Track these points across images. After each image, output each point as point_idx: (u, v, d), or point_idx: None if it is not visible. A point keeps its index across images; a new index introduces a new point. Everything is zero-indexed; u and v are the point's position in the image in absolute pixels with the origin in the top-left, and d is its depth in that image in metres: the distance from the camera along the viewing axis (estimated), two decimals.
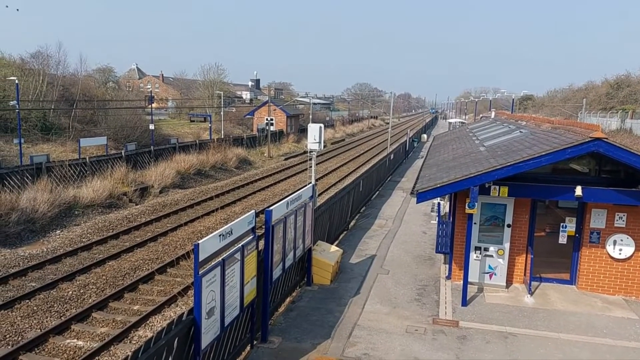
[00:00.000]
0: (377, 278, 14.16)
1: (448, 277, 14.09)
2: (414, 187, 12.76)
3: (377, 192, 28.20)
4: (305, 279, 13.62)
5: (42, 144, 34.18)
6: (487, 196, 12.13)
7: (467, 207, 11.63)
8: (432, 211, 21.81)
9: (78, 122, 39.98)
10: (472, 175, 11.40)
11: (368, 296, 12.85)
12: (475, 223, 12.84)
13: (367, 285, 13.61)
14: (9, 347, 11.22)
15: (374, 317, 11.63)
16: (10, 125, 33.55)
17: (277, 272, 10.81)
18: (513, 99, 71.94)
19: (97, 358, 10.91)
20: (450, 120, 70.58)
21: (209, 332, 7.95)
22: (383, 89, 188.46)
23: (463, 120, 70.03)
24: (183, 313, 7.68)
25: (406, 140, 47.34)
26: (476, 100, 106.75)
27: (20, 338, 11.67)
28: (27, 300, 13.60)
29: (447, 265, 14.63)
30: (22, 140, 28.70)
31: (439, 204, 18.69)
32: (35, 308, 13.23)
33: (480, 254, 13.15)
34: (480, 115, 65.20)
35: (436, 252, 15.52)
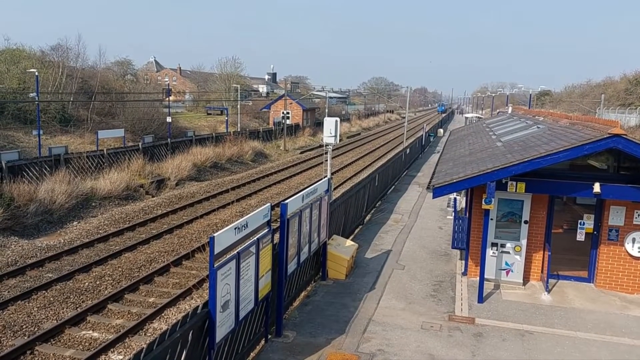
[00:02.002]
0: (393, 273, 14.07)
1: (464, 273, 13.95)
2: (430, 181, 12.62)
3: (393, 186, 28.03)
4: (320, 274, 13.58)
5: (61, 135, 34.57)
6: (504, 192, 11.97)
7: (483, 202, 11.48)
8: (448, 206, 21.62)
9: (96, 114, 40.36)
10: (489, 170, 11.23)
11: (383, 291, 12.77)
12: (491, 219, 12.67)
13: (383, 280, 13.53)
14: (26, 337, 11.37)
15: (389, 313, 11.55)
16: (30, 117, 33.98)
17: (292, 266, 10.77)
18: (530, 94, 70.89)
19: (112, 350, 11.01)
20: (467, 115, 69.82)
21: (223, 325, 7.94)
22: (399, 83, 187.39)
23: (480, 115, 69.26)
24: (198, 306, 7.68)
25: (422, 135, 46.98)
26: (493, 95, 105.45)
27: (36, 329, 11.82)
28: (43, 291, 13.78)
29: (463, 261, 14.48)
30: (41, 132, 29.04)
31: (455, 199, 18.51)
32: (51, 299, 13.39)
33: (496, 250, 12.99)
34: (497, 110, 64.40)
35: (452, 248, 15.40)
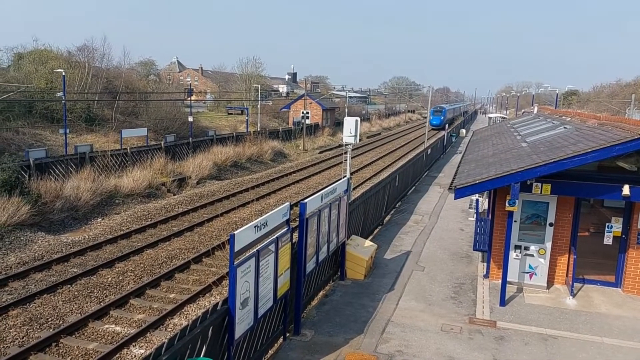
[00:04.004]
0: (412, 274, 13.96)
1: (486, 276, 13.77)
2: (452, 182, 12.49)
3: (414, 187, 27.84)
4: (339, 273, 13.55)
5: (86, 134, 35.18)
6: (528, 193, 11.78)
7: (507, 204, 11.31)
8: (470, 208, 21.36)
9: (120, 114, 40.98)
10: (513, 171, 11.06)
11: (402, 292, 12.68)
12: (515, 221, 12.48)
13: (402, 281, 13.44)
14: (51, 330, 11.59)
15: (408, 314, 11.46)
16: (57, 116, 34.65)
17: (310, 265, 10.77)
18: (557, 94, 69.64)
19: (133, 344, 11.15)
20: (491, 115, 68.90)
21: (242, 322, 7.98)
22: (421, 83, 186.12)
23: (504, 115, 68.32)
24: (218, 303, 7.74)
25: (444, 135, 46.54)
26: (518, 94, 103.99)
27: (61, 322, 12.04)
28: (68, 285, 14.02)
29: (485, 264, 14.30)
30: (67, 131, 29.58)
31: (477, 200, 18.28)
32: (76, 293, 13.62)
33: (520, 252, 12.79)
34: (522, 110, 63.43)
35: (474, 250, 15.24)
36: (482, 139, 22.78)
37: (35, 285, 13.99)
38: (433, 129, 70.28)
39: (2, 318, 12.02)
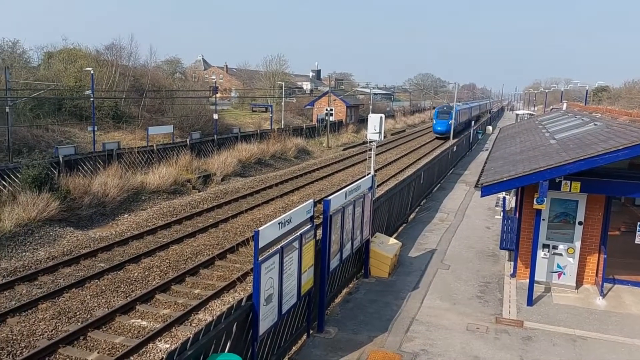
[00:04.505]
0: (437, 273, 13.81)
1: (513, 275, 13.54)
2: (478, 180, 12.30)
3: (439, 184, 27.55)
4: (363, 271, 13.49)
5: (114, 131, 35.78)
6: (557, 191, 11.53)
7: (535, 202, 11.08)
8: (496, 206, 21.06)
9: (147, 111, 41.54)
10: (541, 169, 10.83)
11: (427, 291, 12.55)
12: (543, 219, 12.22)
13: (427, 280, 13.30)
14: (79, 323, 11.82)
15: (433, 313, 11.34)
16: (85, 113, 35.33)
17: (334, 263, 10.74)
18: (587, 90, 68.13)
19: (159, 338, 11.30)
20: (518, 112, 67.77)
21: (266, 318, 8.00)
22: (446, 79, 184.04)
23: (532, 112, 67.11)
24: (242, 299, 7.77)
25: (470, 132, 45.92)
26: (546, 91, 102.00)
27: (89, 316, 12.27)
28: (96, 280, 14.28)
29: (512, 263, 14.07)
30: (96, 128, 30.14)
31: (504, 198, 18.00)
32: (103, 287, 13.87)
33: (548, 251, 12.53)
34: (551, 107, 62.17)
35: (500, 249, 15.01)
36: (509, 136, 22.40)
37: (64, 280, 14.29)
38: (438, 138, 54.05)
39: (32, 311, 12.31)
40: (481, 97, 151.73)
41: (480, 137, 53.94)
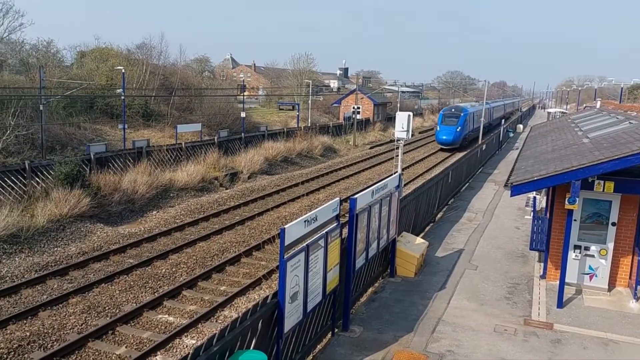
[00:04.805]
0: (465, 273, 13.61)
1: (542, 276, 13.24)
2: (508, 179, 12.05)
3: (467, 183, 27.16)
4: (389, 270, 13.38)
5: (143, 129, 36.35)
6: (589, 191, 11.21)
7: (566, 202, 10.80)
8: (526, 206, 20.65)
9: (176, 110, 42.09)
10: (574, 168, 10.54)
11: (454, 291, 12.38)
12: (575, 220, 11.91)
13: (454, 280, 13.12)
14: (108, 318, 12.05)
15: (459, 314, 11.18)
16: (116, 111, 35.98)
17: (360, 261, 10.68)
18: (622, 88, 66.19)
19: (185, 334, 11.43)
20: (550, 110, 66.29)
21: (291, 316, 8.00)
22: (476, 77, 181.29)
23: (564, 110, 65.53)
24: (268, 296, 7.78)
25: (500, 131, 45.13)
26: (579, 88, 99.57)
27: (118, 310, 12.49)
28: (125, 276, 14.54)
29: (542, 264, 13.76)
30: (126, 126, 30.67)
31: (534, 198, 17.62)
32: (132, 283, 14.11)
33: (579, 253, 12.21)
34: (584, 105, 60.65)
35: (530, 249, 14.71)
36: (541, 134, 21.90)
37: (94, 275, 14.59)
38: (443, 149, 42.63)
39: (63, 305, 12.61)
40: (512, 95, 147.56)
41: (510, 135, 53.00)
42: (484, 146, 34.32)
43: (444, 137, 41.72)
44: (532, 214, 16.28)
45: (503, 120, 53.59)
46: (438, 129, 42.51)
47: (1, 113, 25.42)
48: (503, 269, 13.98)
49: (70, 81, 34.56)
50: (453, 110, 44.39)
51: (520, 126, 62.78)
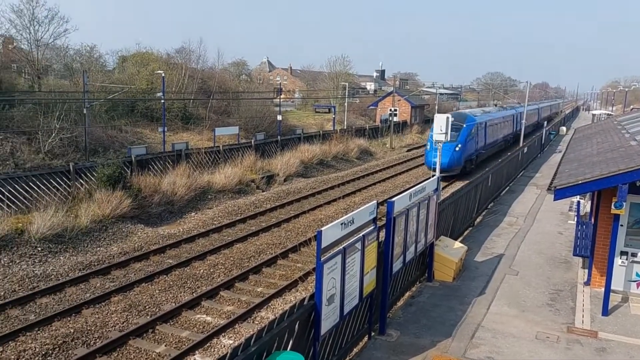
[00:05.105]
0: (505, 279, 13.28)
1: (586, 283, 12.79)
2: (551, 183, 11.72)
3: (508, 187, 26.54)
4: (426, 275, 13.19)
5: (182, 132, 37.10)
6: (637, 196, 10.79)
7: (613, 206, 10.40)
8: (570, 210, 20.02)
9: (213, 113, 42.78)
10: (621, 171, 10.14)
11: (494, 297, 12.10)
12: (622, 225, 11.45)
13: (494, 285, 12.82)
14: (148, 317, 12.29)
15: (499, 320, 10.91)
16: (156, 115, 36.86)
17: (397, 265, 10.57)
18: None
19: (223, 334, 11.55)
20: (594, 112, 64.26)
21: (328, 318, 7.98)
22: (517, 78, 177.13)
23: (609, 112, 63.37)
24: (305, 298, 7.78)
25: (542, 133, 43.96)
26: (626, 89, 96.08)
27: (157, 309, 12.73)
28: (164, 276, 14.82)
29: (586, 270, 13.30)
30: (166, 129, 31.36)
31: (578, 202, 17.08)
32: (171, 283, 14.37)
33: (626, 259, 11.73)
34: (631, 106, 58.56)
35: (573, 255, 14.26)
36: (585, 137, 21.21)
37: (134, 274, 14.93)
38: (444, 177, 27.64)
39: (105, 304, 12.94)
40: (554, 96, 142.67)
41: (552, 138, 51.57)
42: (526, 149, 33.48)
43: (436, 159, 20.57)
44: (575, 218, 15.79)
45: (545, 123, 51.63)
46: (427, 147, 28.65)
47: (47, 117, 26.37)
48: (545, 275, 13.58)
49: (112, 85, 35.58)
50: (452, 119, 26.74)
51: (564, 128, 61.02)
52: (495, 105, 50.83)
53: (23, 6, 31.50)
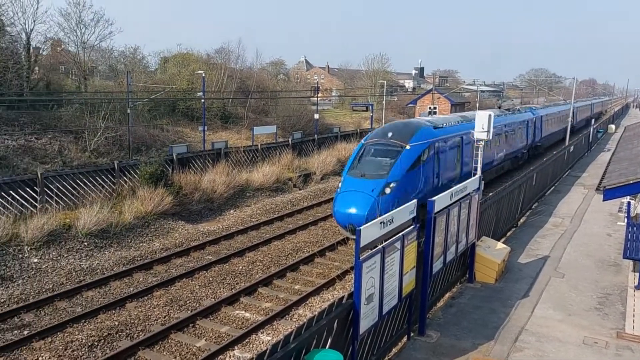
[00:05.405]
0: (550, 281, 12.86)
1: (638, 287, 12.26)
2: (600, 182, 11.29)
3: (553, 187, 25.73)
4: (467, 276, 12.92)
5: (221, 131, 37.61)
6: None
7: None
8: (619, 211, 19.22)
9: (252, 112, 43.22)
10: None
11: (538, 300, 11.73)
12: None
13: (538, 288, 12.43)
14: (189, 312, 12.48)
15: (544, 323, 10.57)
16: (196, 114, 37.50)
17: (437, 265, 10.38)
18: None
19: (261, 330, 11.61)
20: None
21: (367, 317, 7.90)
22: (562, 75, 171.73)
23: None
24: (343, 296, 7.73)
25: (589, 131, 42.45)
26: None
27: (198, 305, 12.91)
28: (204, 271, 15.03)
29: (637, 274, 12.75)
30: (205, 128, 31.85)
31: (629, 203, 16.36)
32: (210, 279, 14.55)
33: None
34: None
35: (623, 258, 13.66)
36: (636, 135, 20.35)
37: (175, 270, 15.20)
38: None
39: (148, 298, 13.22)
40: (603, 93, 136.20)
41: (600, 136, 49.76)
42: (572, 147, 32.39)
43: (346, 211, 15.81)
44: (625, 220, 15.14)
45: (593, 121, 49.34)
46: (339, 186, 17.04)
47: (93, 116, 27.20)
48: (593, 278, 13.08)
49: (155, 85, 36.41)
50: (390, 136, 17.73)
51: (612, 126, 58.80)
52: (499, 108, 37.33)
53: (70, 10, 32.59)
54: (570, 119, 39.53)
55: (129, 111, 27.59)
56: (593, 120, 49.15)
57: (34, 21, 28.95)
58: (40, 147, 23.69)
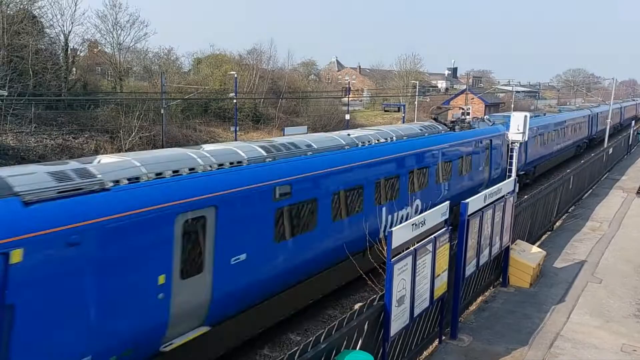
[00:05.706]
0: (587, 286, 12.50)
1: None
2: None
3: (591, 190, 25.00)
4: (501, 279, 12.68)
5: (252, 131, 38.05)
6: None
7: None
8: None
9: (283, 112, 43.55)
10: None
11: (574, 305, 11.42)
12: None
13: (574, 293, 12.10)
14: None
15: (580, 329, 10.28)
16: (228, 114, 38.02)
17: (470, 268, 10.22)
18: None
19: (291, 330, 11.64)
20: None
21: (398, 320, 7.85)
22: (601, 75, 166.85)
23: None
24: (374, 298, 7.70)
25: (629, 133, 41.17)
26: None
27: None
28: None
29: None
30: (237, 128, 32.24)
31: None
32: None
33: None
34: None
35: None
36: None
37: None
38: None
39: None
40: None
41: None
42: (611, 150, 31.45)
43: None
44: None
45: (633, 122, 47.68)
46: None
47: (128, 116, 27.85)
48: (632, 284, 12.66)
49: (188, 86, 37.05)
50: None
51: None
52: (436, 119, 19.15)
53: (107, 12, 33.51)
54: (576, 131, 32.58)
55: (162, 111, 28.16)
56: (633, 121, 47.54)
57: (72, 23, 29.95)
58: (77, 146, 24.40)
